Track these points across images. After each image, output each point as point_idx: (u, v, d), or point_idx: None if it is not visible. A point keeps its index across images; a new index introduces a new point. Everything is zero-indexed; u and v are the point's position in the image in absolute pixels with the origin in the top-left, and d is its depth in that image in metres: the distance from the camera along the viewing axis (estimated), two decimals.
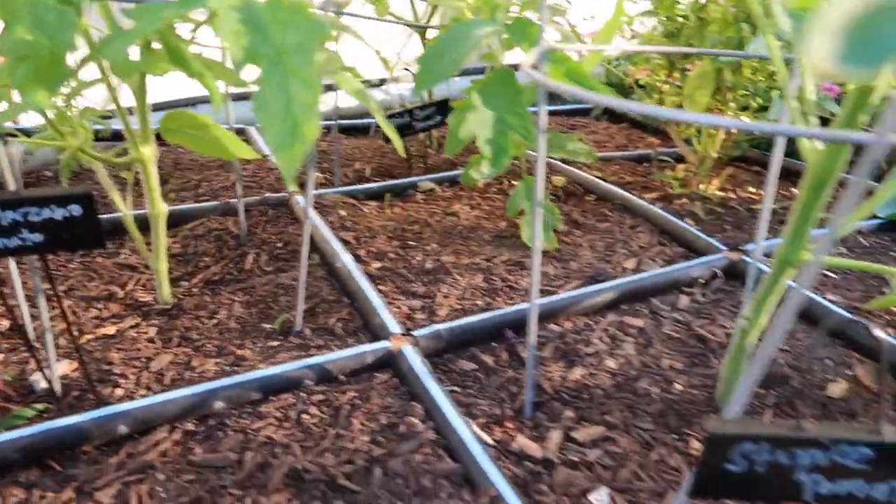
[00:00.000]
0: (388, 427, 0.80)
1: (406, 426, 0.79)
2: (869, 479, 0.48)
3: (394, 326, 0.95)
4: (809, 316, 1.04)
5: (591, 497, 0.74)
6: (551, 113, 2.34)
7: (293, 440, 0.78)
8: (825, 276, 1.18)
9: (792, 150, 1.86)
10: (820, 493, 0.50)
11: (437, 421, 0.80)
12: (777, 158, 0.82)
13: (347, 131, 2.03)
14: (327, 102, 2.15)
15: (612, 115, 2.34)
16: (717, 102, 1.43)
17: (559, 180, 1.53)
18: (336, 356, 0.89)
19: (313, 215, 1.29)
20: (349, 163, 1.71)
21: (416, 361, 0.88)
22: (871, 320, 1.04)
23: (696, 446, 0.82)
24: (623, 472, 0.78)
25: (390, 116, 1.52)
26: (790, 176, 1.61)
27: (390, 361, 0.91)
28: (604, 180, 1.54)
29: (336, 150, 1.52)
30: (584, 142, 2.00)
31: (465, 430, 0.76)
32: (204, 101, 2.01)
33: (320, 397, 0.85)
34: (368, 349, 0.91)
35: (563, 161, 1.68)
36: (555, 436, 0.82)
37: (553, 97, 2.50)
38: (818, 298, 1.05)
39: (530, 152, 1.73)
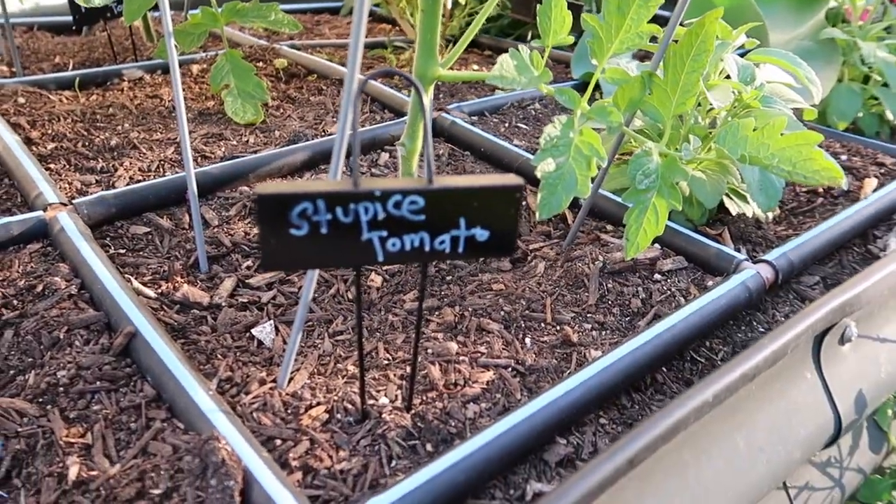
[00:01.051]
0: (26, 290, 0.73)
1: (45, 286, 0.73)
2: (430, 231, 0.51)
3: (53, 197, 0.86)
4: (498, 158, 1.10)
5: (255, 330, 0.74)
6: (296, 11, 2.25)
7: None
8: (518, 127, 1.25)
9: (518, 36, 1.96)
10: (390, 251, 0.51)
11: (84, 277, 0.74)
12: None
13: (57, 29, 1.80)
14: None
15: None
16: None
17: (281, 62, 1.47)
18: None
19: None
20: (48, 58, 1.51)
21: (70, 226, 0.80)
22: None
23: (374, 279, 0.84)
24: (295, 309, 0.78)
25: None
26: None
27: (44, 231, 0.83)
28: (330, 62, 1.51)
29: (10, 39, 1.33)
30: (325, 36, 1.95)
31: (110, 278, 0.71)
32: None
33: None
34: (14, 220, 0.81)
35: (292, 47, 1.62)
36: (228, 283, 0.80)
37: None
38: (505, 143, 1.11)
39: (229, 29, 1.66)
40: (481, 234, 0.52)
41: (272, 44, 1.60)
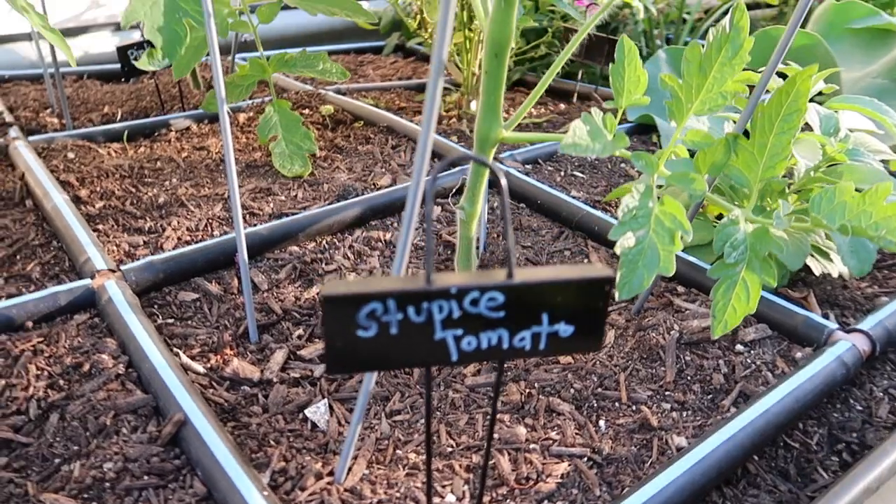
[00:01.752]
0: (73, 368, 0.70)
1: (91, 364, 0.69)
2: (509, 328, 0.46)
3: (101, 263, 0.84)
4: (556, 211, 1.05)
5: (308, 412, 0.69)
6: (340, 52, 2.24)
7: None
8: (573, 176, 1.20)
9: (566, 73, 1.91)
10: (465, 350, 0.47)
11: (131, 354, 0.70)
12: None
13: (106, 77, 1.82)
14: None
15: (404, 52, 2.29)
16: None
17: (327, 109, 1.45)
18: (18, 301, 0.76)
19: (32, 159, 1.12)
20: (97, 107, 1.52)
21: (118, 296, 0.77)
22: (609, 211, 1.07)
23: None
24: (350, 384, 0.73)
25: (129, 48, 1.36)
26: (560, 95, 1.64)
27: (92, 301, 0.80)
28: (376, 107, 1.48)
29: (61, 90, 1.33)
30: (368, 77, 1.93)
31: (159, 357, 0.68)
32: None
33: None
34: (62, 289, 0.79)
35: (337, 91, 1.61)
36: (279, 356, 0.76)
37: (342, 36, 2.41)
38: (563, 195, 1.06)
39: (279, 75, 1.65)
40: (565, 329, 0.47)
41: (317, 89, 1.59)
